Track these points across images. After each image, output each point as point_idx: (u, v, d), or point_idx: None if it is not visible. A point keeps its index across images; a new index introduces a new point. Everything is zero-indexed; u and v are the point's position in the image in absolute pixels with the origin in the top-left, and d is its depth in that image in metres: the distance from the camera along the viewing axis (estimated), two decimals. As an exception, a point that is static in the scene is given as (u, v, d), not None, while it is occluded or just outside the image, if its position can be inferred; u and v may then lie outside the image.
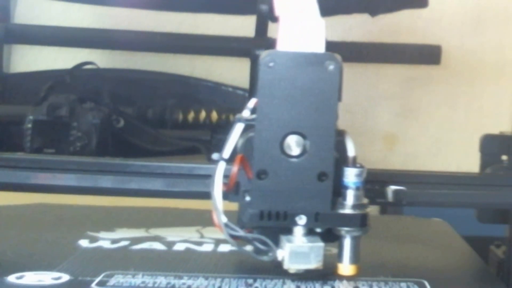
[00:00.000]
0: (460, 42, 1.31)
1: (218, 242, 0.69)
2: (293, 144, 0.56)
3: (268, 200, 0.57)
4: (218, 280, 0.58)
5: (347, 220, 0.57)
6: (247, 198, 0.58)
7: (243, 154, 0.57)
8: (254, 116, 0.57)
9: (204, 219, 0.77)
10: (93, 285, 0.56)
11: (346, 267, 0.58)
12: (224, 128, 1.17)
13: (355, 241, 0.58)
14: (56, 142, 1.04)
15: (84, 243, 0.68)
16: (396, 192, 0.62)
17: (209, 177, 0.62)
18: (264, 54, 0.57)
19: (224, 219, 0.56)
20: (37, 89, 1.09)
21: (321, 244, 0.57)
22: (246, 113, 0.57)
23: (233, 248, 0.57)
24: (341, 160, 0.58)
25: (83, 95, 1.07)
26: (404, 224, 0.84)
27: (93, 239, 0.70)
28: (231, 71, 1.30)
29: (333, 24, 1.26)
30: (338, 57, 0.57)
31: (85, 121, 1.05)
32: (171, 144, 1.13)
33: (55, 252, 0.65)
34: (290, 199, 0.57)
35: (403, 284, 0.59)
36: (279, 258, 0.56)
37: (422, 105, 1.33)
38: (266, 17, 1.19)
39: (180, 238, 0.70)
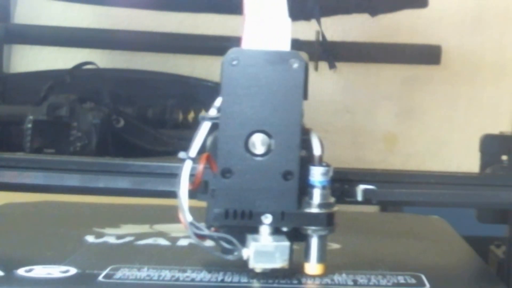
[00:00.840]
0: (460, 42, 1.31)
1: None
2: (258, 143, 0.56)
3: (233, 199, 0.56)
4: (221, 273, 0.59)
5: (313, 219, 0.57)
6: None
7: (211, 152, 0.57)
8: (219, 114, 0.57)
9: None
10: (100, 278, 0.57)
11: (313, 266, 0.58)
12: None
13: (322, 240, 0.58)
14: (56, 142, 1.04)
15: (90, 238, 0.70)
16: (365, 191, 0.62)
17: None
18: (228, 52, 0.57)
19: (189, 218, 0.56)
20: (37, 89, 1.09)
21: (286, 243, 0.56)
22: (212, 112, 0.57)
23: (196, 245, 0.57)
24: (308, 159, 0.58)
25: (83, 95, 1.07)
26: (403, 221, 0.84)
27: (99, 235, 0.71)
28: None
29: (333, 24, 1.26)
30: (303, 55, 0.56)
31: (85, 121, 1.05)
32: (171, 144, 1.13)
33: (62, 246, 0.67)
34: (256, 198, 0.56)
35: (400, 277, 0.59)
36: (245, 257, 0.56)
37: (422, 105, 1.33)
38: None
39: (184, 234, 0.70)
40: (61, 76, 1.13)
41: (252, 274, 0.58)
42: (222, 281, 0.58)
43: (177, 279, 0.57)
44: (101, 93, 1.11)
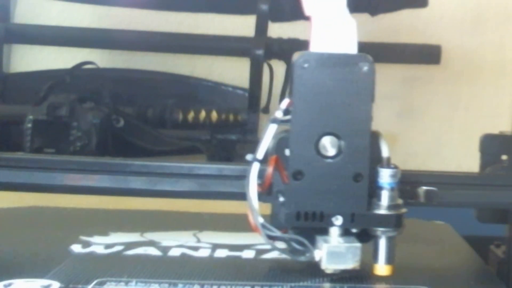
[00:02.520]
0: (460, 42, 1.31)
1: (215, 247, 0.68)
2: (328, 145, 0.57)
3: (304, 201, 0.57)
4: (215, 287, 0.57)
5: (382, 221, 0.58)
6: (281, 199, 0.58)
7: (277, 154, 0.57)
8: (288, 117, 0.57)
9: (201, 223, 0.77)
10: None
11: (381, 267, 0.58)
12: (224, 128, 1.18)
13: (390, 241, 0.58)
14: (56, 142, 1.04)
15: (76, 248, 0.67)
16: (427, 193, 0.62)
17: (209, 177, 0.62)
18: (298, 55, 0.57)
19: (261, 220, 0.56)
20: (37, 89, 1.09)
21: (358, 244, 0.57)
22: (279, 114, 0.57)
23: (270, 248, 0.58)
24: (374, 161, 0.58)
25: (83, 95, 1.07)
26: (407, 226, 0.83)
27: (86, 244, 0.68)
28: (231, 71, 1.30)
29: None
30: (370, 58, 0.57)
31: (85, 121, 1.05)
32: (171, 144, 1.13)
33: (46, 257, 0.64)
34: (326, 199, 0.57)
35: None
36: (317, 258, 0.57)
37: (422, 105, 1.33)
38: (266, 17, 1.19)
39: (176, 243, 0.69)
40: (61, 76, 1.13)
41: (246, 286, 0.57)
42: None
43: None
44: (101, 93, 1.11)
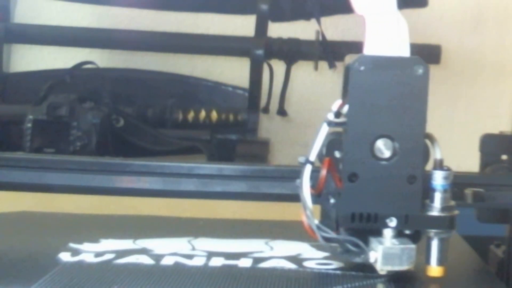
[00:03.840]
0: (460, 42, 1.31)
1: (210, 255, 0.65)
2: (383, 147, 0.57)
3: (359, 203, 0.57)
4: None
5: (436, 222, 0.58)
6: (332, 200, 0.58)
7: (330, 156, 0.58)
8: (341, 119, 0.57)
9: (196, 229, 0.74)
10: None
11: (434, 269, 0.59)
12: (224, 127, 1.18)
13: (443, 243, 0.59)
14: (56, 142, 1.04)
15: (65, 256, 0.63)
16: (475, 194, 0.63)
17: (209, 176, 0.62)
18: (353, 59, 0.57)
19: (316, 222, 0.56)
20: (37, 89, 1.09)
21: (412, 246, 0.57)
22: (331, 116, 0.57)
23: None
24: (425, 163, 0.58)
25: (83, 95, 1.07)
26: None
27: (75, 252, 0.64)
28: (231, 71, 1.30)
29: (333, 24, 1.26)
30: (424, 61, 0.58)
31: (85, 121, 1.05)
32: (171, 144, 1.13)
33: (33, 267, 0.61)
34: (381, 201, 0.57)
35: None
36: (372, 260, 0.57)
37: (422, 105, 1.33)
38: (266, 17, 1.19)
39: (170, 251, 0.66)
40: (61, 76, 1.13)
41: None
42: None
43: None
44: (101, 93, 1.11)
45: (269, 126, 1.27)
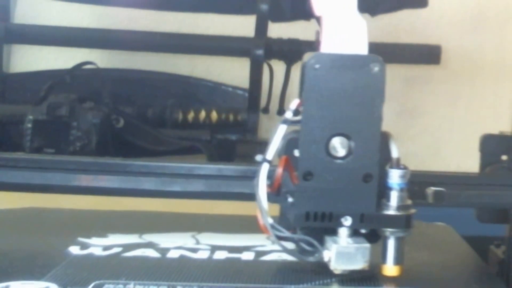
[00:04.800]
0: (460, 42, 1.31)
1: (214, 248, 0.67)
2: (339, 146, 0.57)
3: (313, 201, 0.57)
4: None
5: (392, 221, 0.58)
6: (290, 199, 0.58)
7: (287, 155, 0.57)
8: (298, 117, 0.57)
9: (200, 224, 0.76)
10: None
11: (390, 268, 0.58)
12: (224, 128, 1.18)
13: (399, 242, 0.58)
14: (56, 142, 1.04)
15: (74, 250, 0.66)
16: (436, 193, 0.62)
17: (209, 177, 0.62)
18: (309, 57, 0.57)
19: (270, 220, 0.56)
20: (37, 89, 1.09)
21: (367, 245, 0.57)
22: (289, 115, 0.57)
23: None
24: (383, 162, 0.58)
25: (83, 95, 1.08)
26: None
27: (84, 246, 0.67)
28: (231, 71, 1.30)
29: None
30: (381, 59, 0.57)
31: (85, 121, 1.05)
32: (171, 144, 1.13)
33: (44, 259, 0.63)
34: (336, 200, 0.57)
35: None
36: (325, 259, 0.57)
37: (422, 105, 1.33)
38: (266, 17, 1.19)
39: (175, 245, 0.68)
40: (61, 76, 1.13)
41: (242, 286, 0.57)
42: None
43: None
44: (101, 93, 1.11)
45: (269, 126, 1.27)
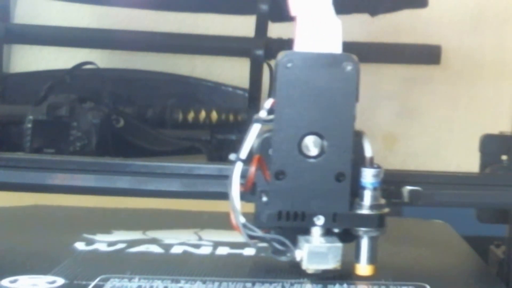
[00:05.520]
0: (460, 42, 1.31)
1: (216, 244, 0.69)
2: (311, 145, 0.57)
3: (286, 201, 0.57)
4: (216, 284, 0.57)
5: (365, 221, 0.57)
6: (264, 199, 0.57)
7: (260, 154, 0.57)
8: (271, 116, 0.57)
9: (202, 221, 0.77)
10: None
11: (363, 267, 0.58)
12: (224, 128, 1.18)
13: (373, 241, 0.58)
14: (56, 142, 1.04)
15: (80, 245, 0.67)
16: (412, 193, 0.62)
17: (209, 177, 0.62)
18: (282, 55, 0.57)
19: (242, 220, 0.56)
20: (37, 89, 1.09)
21: (339, 244, 0.57)
22: (263, 114, 0.57)
23: (251, 248, 0.58)
24: (358, 161, 0.58)
25: (83, 95, 1.07)
26: (406, 226, 0.84)
27: (89, 242, 0.69)
28: (231, 71, 1.30)
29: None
30: (355, 58, 0.57)
31: (85, 121, 1.05)
32: (171, 144, 1.13)
33: (50, 255, 0.64)
34: (308, 199, 0.57)
35: None
36: (297, 258, 0.57)
37: (422, 105, 1.33)
38: (266, 17, 1.19)
39: (178, 241, 0.70)
40: (61, 76, 1.13)
41: (247, 283, 0.57)
42: None
43: None
44: (101, 93, 1.11)
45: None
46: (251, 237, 0.56)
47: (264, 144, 0.57)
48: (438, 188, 0.65)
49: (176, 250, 0.67)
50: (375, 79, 1.32)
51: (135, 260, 0.64)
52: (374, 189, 0.58)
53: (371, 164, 0.58)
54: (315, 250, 0.56)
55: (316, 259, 0.56)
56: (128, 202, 0.72)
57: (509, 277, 0.70)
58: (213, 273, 0.59)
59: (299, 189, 0.57)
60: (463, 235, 0.77)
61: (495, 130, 0.79)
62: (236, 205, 0.56)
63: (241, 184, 0.56)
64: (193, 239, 0.71)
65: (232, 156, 0.57)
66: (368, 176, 0.57)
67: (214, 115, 1.19)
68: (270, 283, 0.58)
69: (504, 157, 0.76)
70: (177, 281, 0.57)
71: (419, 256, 0.69)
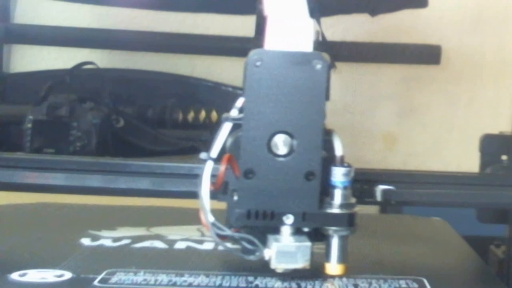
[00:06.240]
0: (460, 42, 1.31)
1: None
2: (280, 144, 0.56)
3: (255, 200, 0.56)
4: (219, 277, 0.58)
5: (334, 220, 0.57)
6: (236, 198, 0.57)
7: (232, 153, 0.57)
8: (242, 115, 0.56)
9: None
10: (95, 282, 0.56)
11: (333, 267, 0.58)
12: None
13: (343, 241, 0.58)
14: (56, 142, 1.04)
15: (86, 241, 0.69)
16: (385, 192, 0.62)
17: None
18: (251, 53, 0.56)
19: (211, 219, 0.56)
20: (37, 89, 1.09)
21: (308, 243, 0.56)
22: (234, 112, 0.57)
23: (220, 247, 0.57)
24: (329, 160, 0.58)
25: (83, 95, 1.07)
26: (404, 223, 0.84)
27: (94, 238, 0.70)
28: (231, 71, 1.30)
29: (333, 24, 1.26)
30: (325, 56, 0.56)
31: (85, 121, 1.05)
32: (171, 144, 1.13)
33: (57, 250, 0.66)
34: (277, 198, 0.56)
35: (402, 282, 0.59)
36: (266, 257, 0.56)
37: (422, 105, 1.33)
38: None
39: (181, 237, 0.71)
40: (61, 76, 1.13)
41: (249, 278, 0.58)
42: (220, 285, 0.57)
43: (174, 284, 0.57)
44: (101, 93, 1.11)
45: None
46: (220, 236, 0.56)
47: (237, 143, 0.57)
48: (438, 188, 0.65)
49: (180, 245, 0.68)
50: (375, 79, 1.32)
51: (139, 255, 0.65)
52: (345, 188, 0.57)
53: (342, 163, 0.58)
54: (284, 249, 0.56)
55: (285, 258, 0.56)
56: (130, 200, 0.72)
57: (509, 277, 0.70)
58: (216, 268, 0.60)
59: (268, 188, 0.56)
60: (463, 235, 0.77)
61: (495, 130, 0.79)
62: (206, 204, 0.56)
63: (213, 183, 0.56)
64: (196, 235, 0.72)
65: (203, 155, 0.56)
66: (338, 175, 0.57)
67: (214, 115, 1.19)
68: (272, 277, 0.58)
69: (504, 157, 0.76)
70: (181, 275, 0.58)
71: (416, 252, 0.70)
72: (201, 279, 0.58)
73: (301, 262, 0.56)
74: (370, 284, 0.58)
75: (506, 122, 0.81)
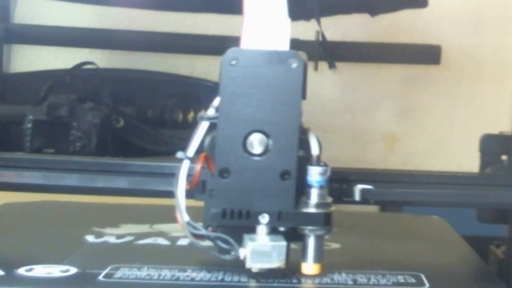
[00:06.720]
0: (460, 42, 1.31)
1: None
2: (256, 143, 0.56)
3: (230, 199, 0.57)
4: (221, 273, 0.59)
5: (310, 219, 0.57)
6: (211, 197, 0.57)
7: (209, 152, 0.57)
8: (217, 114, 0.57)
9: None
10: (100, 277, 0.58)
11: (309, 266, 0.58)
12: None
13: (319, 240, 0.58)
14: (56, 142, 1.04)
15: (90, 238, 0.70)
16: (363, 191, 0.62)
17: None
18: (227, 52, 0.56)
19: (186, 218, 0.56)
20: (37, 89, 1.09)
21: (283, 243, 0.56)
22: (211, 111, 0.57)
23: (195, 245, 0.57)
24: (306, 159, 0.57)
25: (83, 95, 1.07)
26: (403, 221, 0.84)
27: (98, 234, 0.71)
28: (231, 71, 1.30)
29: (333, 24, 1.26)
30: (302, 55, 0.56)
31: (85, 121, 1.05)
32: (171, 144, 1.13)
33: (62, 246, 0.67)
34: (253, 197, 0.57)
35: (400, 277, 0.59)
36: (241, 257, 0.56)
37: (422, 105, 1.33)
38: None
39: (184, 234, 0.71)
40: (61, 76, 1.13)
41: (252, 273, 0.58)
42: (222, 280, 0.58)
43: (177, 279, 0.58)
44: (101, 93, 1.11)
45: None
46: (195, 235, 0.56)
47: (214, 142, 0.57)
48: (438, 188, 0.65)
49: (182, 242, 0.69)
50: (375, 79, 1.32)
51: (143, 251, 0.66)
52: (321, 187, 0.57)
53: (318, 162, 0.58)
54: (259, 249, 0.56)
55: (260, 258, 0.56)
56: (133, 198, 0.72)
57: (509, 277, 0.70)
58: (218, 263, 0.60)
59: (244, 187, 0.56)
60: (463, 235, 0.77)
61: (495, 130, 0.79)
62: (181, 203, 0.56)
63: (189, 182, 0.56)
64: None
65: (179, 154, 0.57)
66: (314, 174, 0.57)
67: (214, 115, 1.18)
68: (273, 272, 0.58)
69: (504, 157, 0.76)
70: (184, 270, 0.59)
71: (415, 249, 0.70)
72: (204, 275, 0.59)
73: (276, 262, 0.56)
74: (369, 279, 0.58)
75: (506, 122, 0.81)
